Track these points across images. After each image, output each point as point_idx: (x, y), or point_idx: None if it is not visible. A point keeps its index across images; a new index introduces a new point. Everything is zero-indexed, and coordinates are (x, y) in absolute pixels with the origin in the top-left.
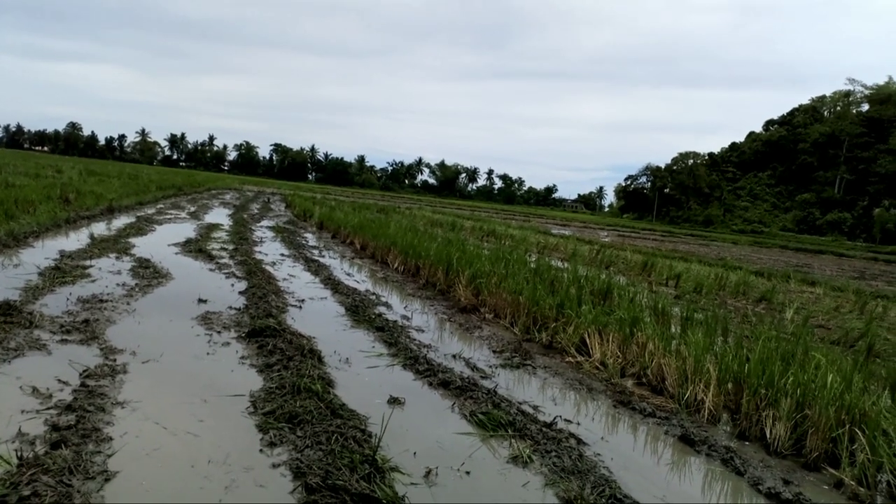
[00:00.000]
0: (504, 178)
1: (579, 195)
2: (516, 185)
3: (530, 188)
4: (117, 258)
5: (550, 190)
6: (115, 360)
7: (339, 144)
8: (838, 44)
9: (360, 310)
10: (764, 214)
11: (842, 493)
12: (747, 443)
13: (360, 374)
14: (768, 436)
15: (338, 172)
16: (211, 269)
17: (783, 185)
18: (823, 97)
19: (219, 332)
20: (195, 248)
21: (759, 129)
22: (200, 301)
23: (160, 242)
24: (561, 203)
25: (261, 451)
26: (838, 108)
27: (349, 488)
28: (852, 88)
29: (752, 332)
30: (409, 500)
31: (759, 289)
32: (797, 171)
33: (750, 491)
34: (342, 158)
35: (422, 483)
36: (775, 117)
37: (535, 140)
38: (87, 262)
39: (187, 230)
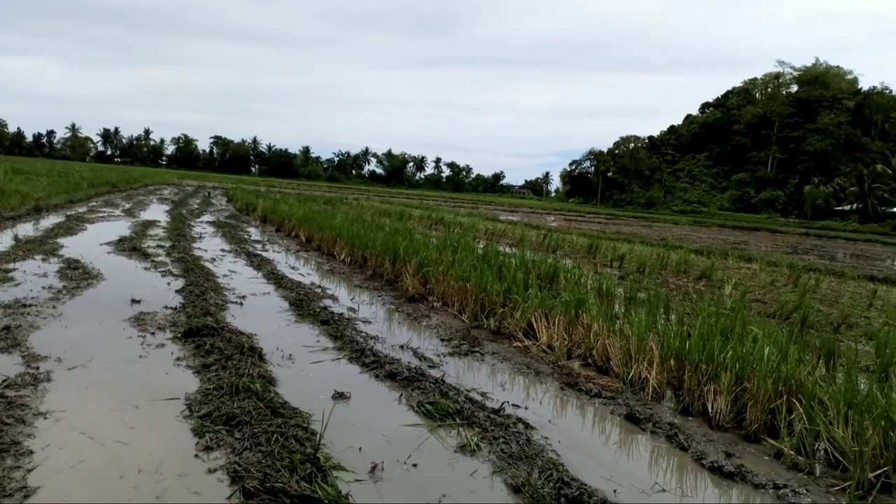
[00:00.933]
0: (452, 166)
1: (526, 181)
2: (464, 172)
3: (478, 175)
4: (44, 260)
5: (498, 177)
6: (37, 368)
7: (282, 136)
8: (768, 27)
9: (304, 304)
10: (702, 195)
11: (781, 463)
12: (690, 418)
13: (304, 371)
14: (710, 410)
15: (282, 165)
16: (146, 268)
17: (720, 166)
18: (755, 79)
19: (153, 334)
20: (129, 246)
21: (696, 111)
22: (133, 301)
23: (91, 242)
24: (508, 189)
25: (196, 456)
26: (769, 89)
27: (288, 490)
28: (782, 70)
29: (692, 310)
30: (352, 498)
31: (699, 267)
32: (732, 152)
33: (694, 466)
34: (286, 150)
35: (367, 479)
36: (711, 100)
37: (482, 127)
38: (10, 266)
39: (121, 228)
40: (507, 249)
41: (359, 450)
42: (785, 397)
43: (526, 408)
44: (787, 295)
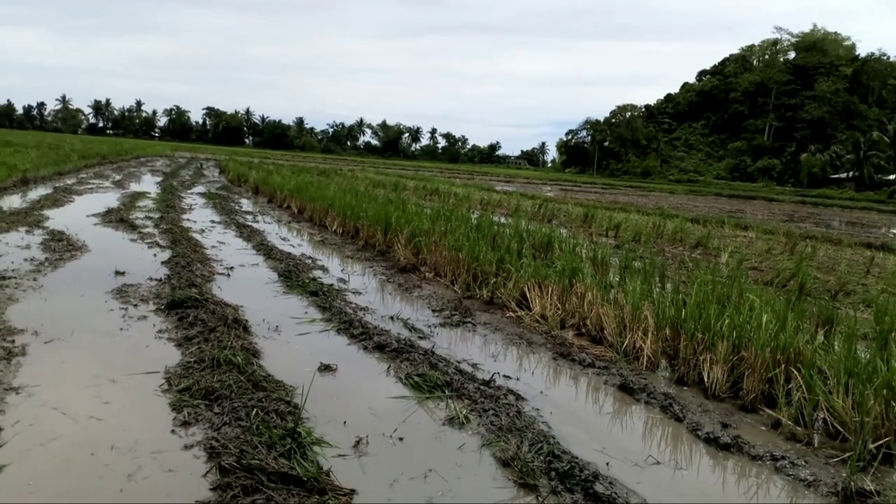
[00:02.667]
0: (447, 136)
1: (522, 151)
2: (460, 143)
3: (474, 146)
4: (28, 232)
5: (494, 147)
6: (13, 342)
7: (276, 107)
8: None
9: (293, 275)
10: (699, 163)
11: (779, 434)
12: (686, 388)
13: (290, 343)
14: (706, 380)
15: (276, 136)
16: (132, 240)
17: (716, 135)
18: (752, 46)
19: (135, 306)
20: (116, 217)
21: (692, 79)
22: (118, 273)
23: (78, 213)
24: (505, 160)
25: (173, 432)
26: (766, 56)
27: (265, 467)
28: (779, 37)
29: (688, 278)
30: (334, 474)
31: (695, 235)
32: (729, 120)
33: (689, 437)
34: (280, 121)
35: (350, 454)
36: (707, 68)
37: (477, 97)
38: None
39: (110, 200)
40: (502, 219)
41: (343, 423)
42: (783, 366)
43: (517, 379)
44: (783, 263)
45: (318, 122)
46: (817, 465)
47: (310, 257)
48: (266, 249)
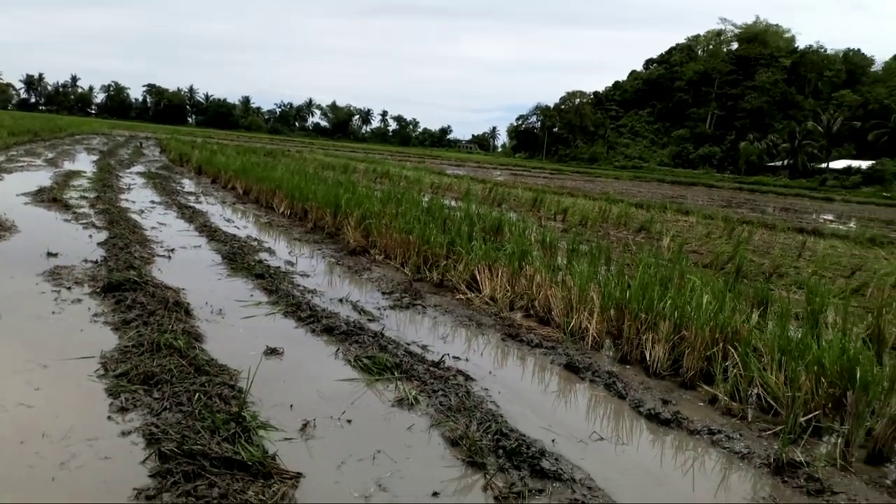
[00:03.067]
0: (398, 119)
1: (473, 136)
2: (411, 126)
3: (425, 130)
4: None
5: (445, 131)
6: None
7: (221, 85)
8: None
9: (238, 257)
10: (643, 150)
11: (716, 409)
12: (629, 366)
13: (235, 326)
14: (648, 358)
15: (221, 115)
16: (66, 220)
17: (661, 122)
18: (698, 36)
19: (69, 289)
20: (49, 197)
21: (640, 67)
22: (50, 255)
23: (7, 192)
24: (456, 144)
25: (109, 418)
26: (711, 46)
27: (208, 452)
28: (724, 27)
29: (632, 261)
30: (280, 458)
31: (638, 219)
32: (674, 108)
33: (632, 413)
34: (225, 100)
35: (297, 437)
36: (654, 56)
37: (429, 80)
38: None
39: (42, 178)
40: (453, 203)
41: (290, 407)
42: (721, 345)
43: (467, 360)
44: (722, 246)
45: (266, 101)
46: (751, 439)
47: (256, 239)
48: (209, 231)
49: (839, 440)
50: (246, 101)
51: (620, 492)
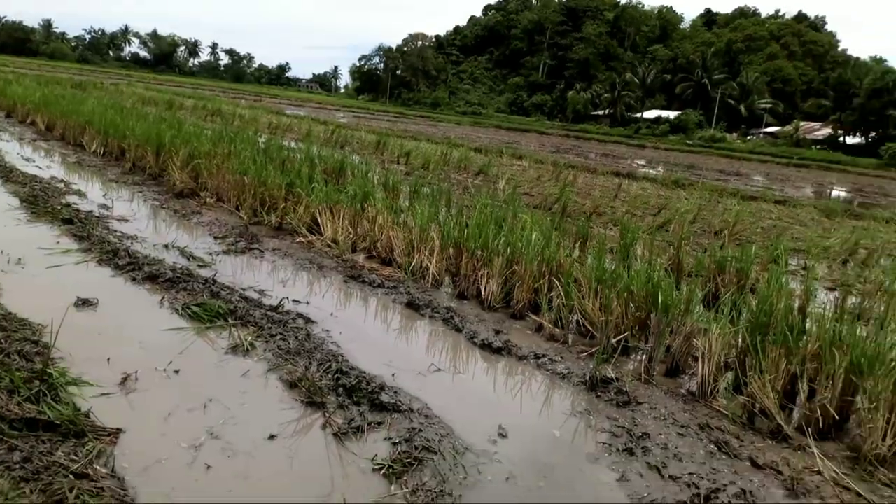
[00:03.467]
0: (231, 53)
1: (314, 75)
2: (245, 62)
3: (261, 66)
4: None
5: (283, 69)
6: None
7: (16, 5)
8: None
9: (41, 200)
10: (482, 97)
11: (542, 336)
12: (466, 301)
13: (38, 276)
14: (483, 293)
15: (17, 41)
16: None
17: (499, 69)
18: None
19: None
20: None
21: (479, 13)
22: None
23: None
24: (296, 83)
25: None
26: None
27: (6, 415)
28: None
29: (471, 202)
30: (94, 414)
31: (477, 163)
32: (510, 57)
33: (467, 344)
34: (21, 23)
35: (116, 392)
36: (493, 2)
37: (265, 12)
38: None
39: None
40: (293, 144)
41: (107, 361)
42: (547, 277)
43: (307, 303)
44: (550, 189)
45: (73, 26)
46: (571, 360)
47: (62, 181)
48: (4, 171)
49: (644, 357)
50: (48, 24)
51: (456, 417)
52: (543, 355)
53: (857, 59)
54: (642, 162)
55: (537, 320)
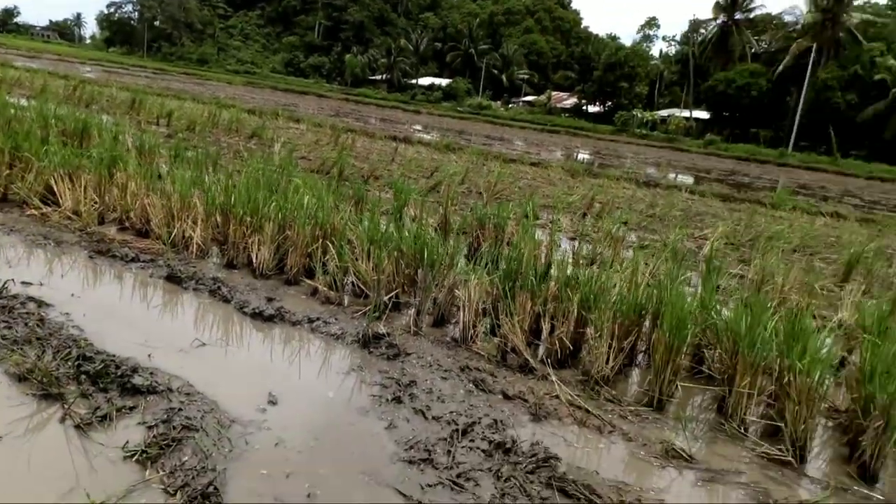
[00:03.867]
0: None
1: (52, 22)
2: None
3: None
4: None
5: (11, 13)
6: None
7: None
8: None
9: None
10: (255, 55)
11: (317, 300)
12: (236, 270)
13: None
14: (255, 260)
15: None
16: None
17: (272, 27)
18: None
19: None
20: None
21: None
22: None
23: None
24: (27, 30)
25: None
26: None
27: None
28: None
29: (242, 167)
30: None
31: (250, 126)
32: (283, 14)
33: (237, 315)
34: None
35: None
36: None
37: None
38: None
39: None
40: (24, 102)
41: None
42: (321, 241)
43: (41, 284)
44: (328, 153)
45: None
46: (345, 321)
47: None
48: None
49: (413, 311)
50: None
51: (221, 391)
52: (317, 318)
53: (597, 35)
54: (419, 127)
55: (312, 284)
